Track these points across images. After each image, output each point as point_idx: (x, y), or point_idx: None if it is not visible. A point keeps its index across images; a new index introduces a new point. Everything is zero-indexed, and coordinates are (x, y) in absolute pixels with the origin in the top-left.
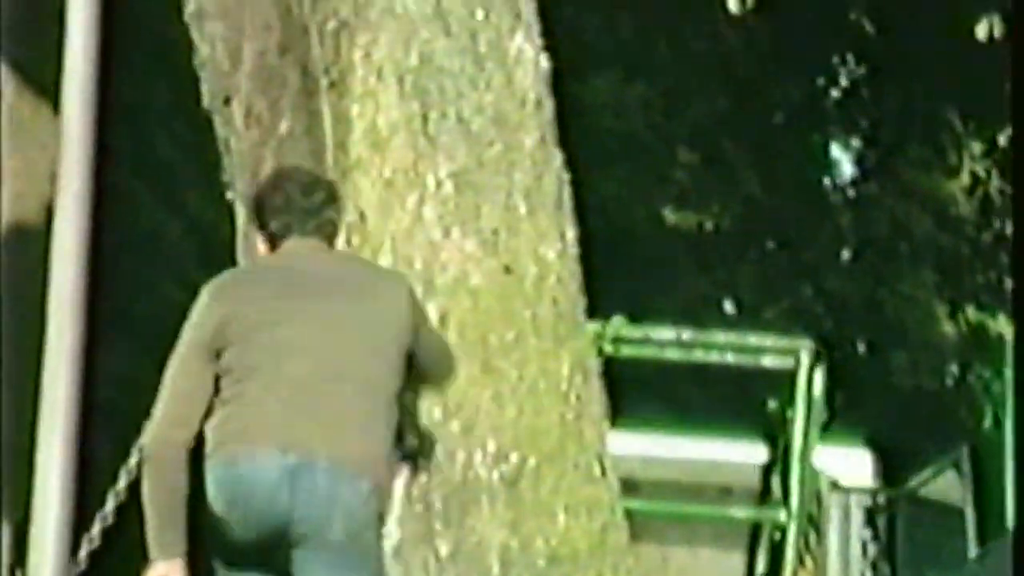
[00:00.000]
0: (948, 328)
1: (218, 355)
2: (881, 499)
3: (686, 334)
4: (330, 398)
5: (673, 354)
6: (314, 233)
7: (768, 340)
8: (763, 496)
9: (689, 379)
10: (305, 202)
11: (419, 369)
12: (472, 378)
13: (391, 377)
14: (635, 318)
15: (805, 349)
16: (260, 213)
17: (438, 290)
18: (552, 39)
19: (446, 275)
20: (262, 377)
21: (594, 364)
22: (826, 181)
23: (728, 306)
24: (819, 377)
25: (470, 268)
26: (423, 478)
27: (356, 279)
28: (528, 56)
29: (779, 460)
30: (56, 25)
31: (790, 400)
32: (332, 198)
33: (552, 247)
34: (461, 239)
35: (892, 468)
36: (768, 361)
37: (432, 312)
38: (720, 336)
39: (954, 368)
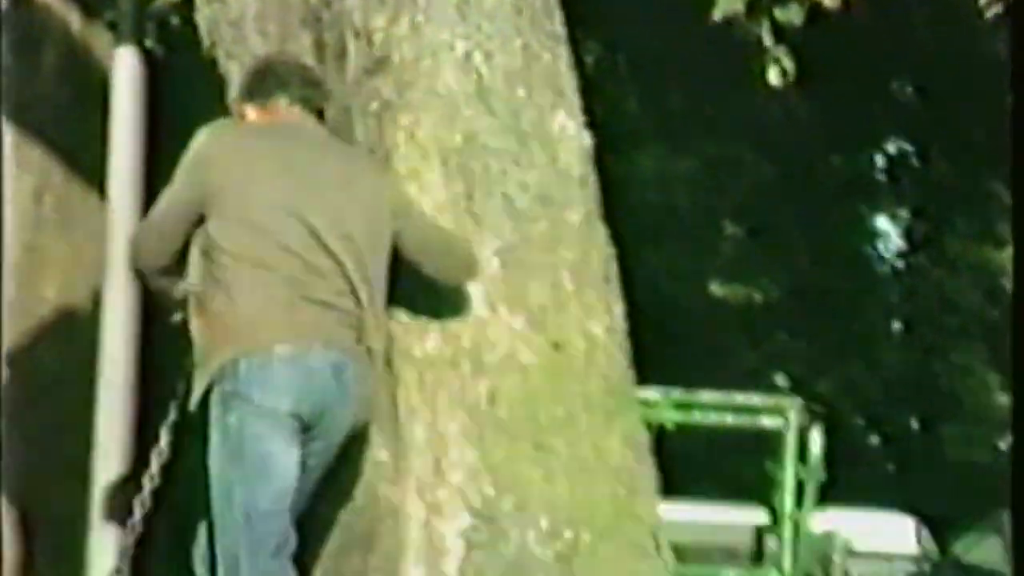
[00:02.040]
0: (1001, 399)
1: (205, 213)
2: (925, 566)
3: (675, 393)
4: (340, 286)
5: (670, 415)
6: (300, 101)
7: (755, 399)
8: (758, 558)
9: (684, 440)
10: (296, 73)
11: (414, 256)
12: (523, 455)
13: (382, 261)
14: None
15: (794, 409)
16: (249, 83)
17: (487, 368)
18: (595, 115)
19: (494, 353)
20: (270, 259)
21: (645, 438)
22: (874, 253)
23: (779, 380)
24: (816, 438)
25: (518, 345)
26: (477, 556)
27: (348, 160)
28: (571, 133)
29: (775, 522)
30: (102, 113)
31: (779, 461)
32: (320, 79)
33: (600, 322)
34: (509, 316)
35: (936, 534)
36: (766, 422)
37: (481, 390)
38: (706, 396)
39: (1007, 439)
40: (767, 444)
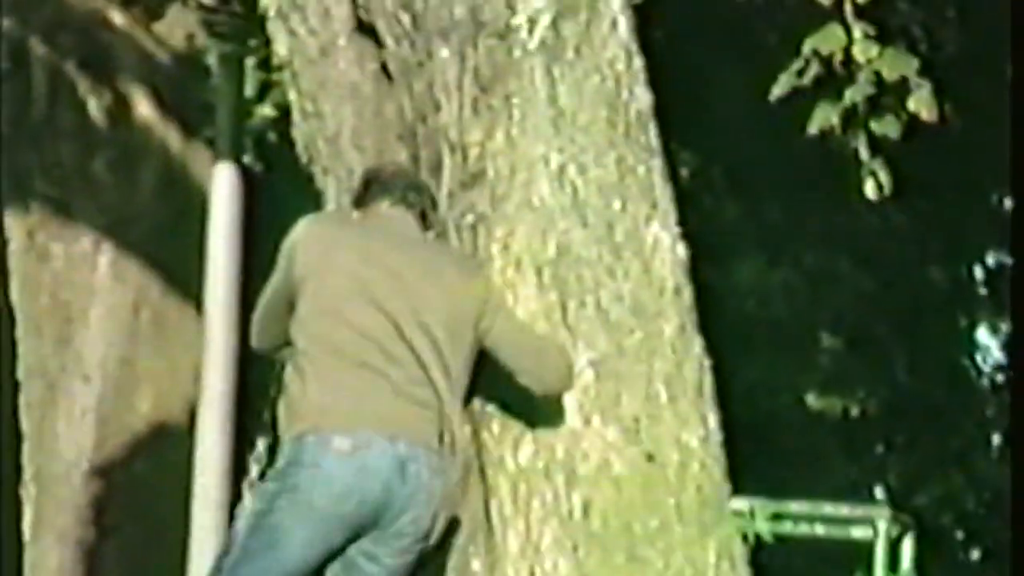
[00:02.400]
0: None
1: (295, 295)
2: None
3: (760, 503)
4: (417, 375)
5: (760, 525)
6: (402, 202)
7: (844, 509)
8: None
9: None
10: (401, 179)
11: (506, 362)
12: (617, 568)
13: (462, 358)
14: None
15: (883, 519)
16: (357, 193)
17: (580, 479)
18: (690, 226)
19: (588, 464)
20: (348, 347)
21: (741, 550)
22: (973, 366)
23: (878, 493)
24: (907, 548)
25: (612, 457)
26: None
27: (437, 255)
28: (665, 244)
29: None
30: (200, 228)
31: (869, 573)
32: (426, 188)
33: (694, 434)
34: (602, 427)
35: None
36: (856, 532)
37: (575, 501)
38: (795, 506)
39: None
40: (860, 555)
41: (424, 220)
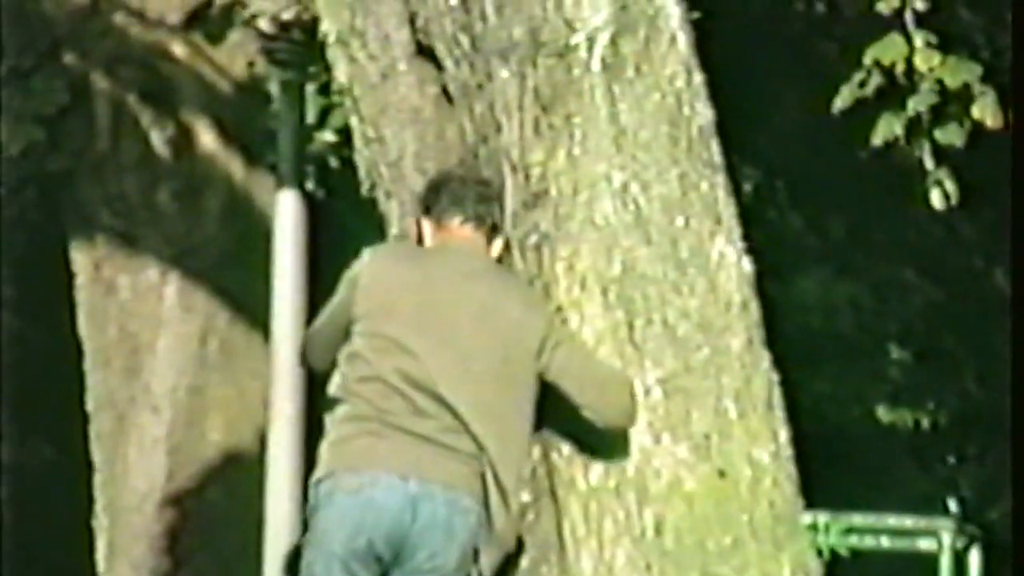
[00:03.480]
0: None
1: (351, 327)
2: None
3: (823, 517)
4: (451, 425)
5: (822, 538)
6: (473, 220)
7: (908, 521)
8: None
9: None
10: (471, 188)
11: (569, 396)
12: None
13: (516, 400)
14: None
15: (947, 531)
16: (427, 198)
17: (652, 497)
18: (755, 241)
19: (659, 482)
20: (376, 400)
21: (816, 566)
22: None
23: (952, 506)
24: (974, 560)
25: (683, 474)
26: None
27: (500, 290)
28: (730, 260)
29: None
30: (265, 255)
31: None
32: (496, 195)
33: (765, 449)
34: (672, 445)
35: None
36: (922, 544)
37: (647, 519)
38: (858, 519)
39: None
40: (930, 568)
41: (494, 231)
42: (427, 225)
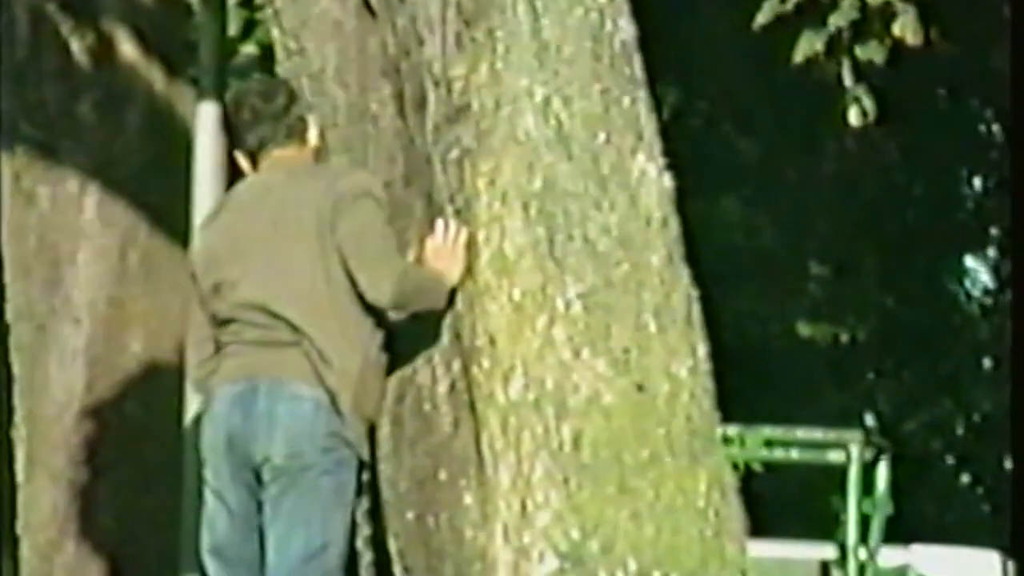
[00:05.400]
0: None
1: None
2: None
3: (732, 429)
4: (273, 324)
5: (734, 451)
6: (287, 139)
7: (818, 434)
8: None
9: (770, 479)
10: (270, 109)
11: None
12: (608, 498)
13: (328, 277)
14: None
15: (855, 443)
16: (235, 132)
17: (571, 411)
18: (676, 158)
19: (578, 396)
20: (226, 327)
21: (732, 480)
22: (962, 291)
23: (868, 420)
24: (882, 472)
25: (602, 388)
26: None
27: (287, 189)
28: (651, 176)
29: (842, 558)
30: (186, 168)
31: (843, 495)
32: (293, 97)
33: (684, 364)
34: (592, 359)
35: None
36: (831, 456)
37: (565, 433)
38: (767, 431)
39: None
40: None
41: (293, 132)
42: (241, 159)
